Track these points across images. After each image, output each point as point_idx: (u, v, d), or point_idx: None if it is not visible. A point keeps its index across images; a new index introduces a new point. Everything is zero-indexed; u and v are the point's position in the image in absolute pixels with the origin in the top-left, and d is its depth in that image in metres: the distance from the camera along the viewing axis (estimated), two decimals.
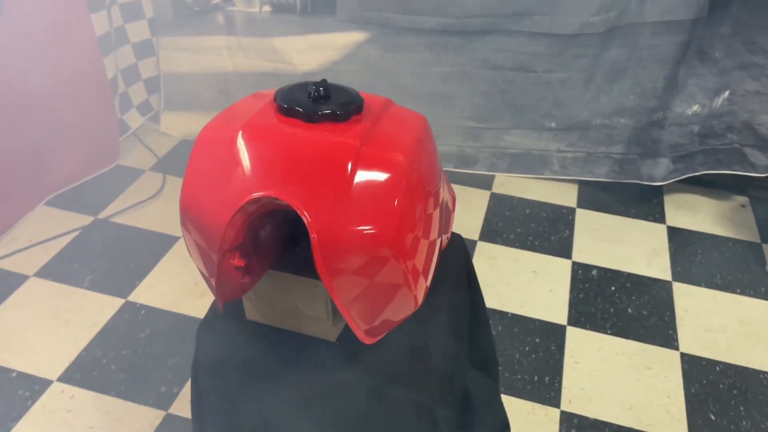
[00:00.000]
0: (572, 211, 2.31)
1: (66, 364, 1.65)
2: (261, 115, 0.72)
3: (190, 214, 0.70)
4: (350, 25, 2.40)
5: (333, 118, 0.72)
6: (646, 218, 2.29)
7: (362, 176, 0.67)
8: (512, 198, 2.36)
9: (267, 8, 2.41)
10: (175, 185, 2.32)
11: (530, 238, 2.18)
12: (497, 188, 2.41)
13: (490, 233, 2.19)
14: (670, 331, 1.85)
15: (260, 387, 0.82)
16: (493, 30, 2.28)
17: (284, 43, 2.45)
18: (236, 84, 2.55)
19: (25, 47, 1.94)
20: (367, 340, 0.77)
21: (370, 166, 0.68)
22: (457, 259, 1.05)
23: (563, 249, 2.14)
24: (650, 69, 2.23)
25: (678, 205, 2.36)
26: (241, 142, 0.70)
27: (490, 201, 2.34)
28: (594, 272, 2.05)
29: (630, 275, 2.04)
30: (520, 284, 1.99)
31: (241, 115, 0.73)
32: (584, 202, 2.36)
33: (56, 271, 1.92)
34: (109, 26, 2.26)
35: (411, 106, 2.44)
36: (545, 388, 1.68)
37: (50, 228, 2.07)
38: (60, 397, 1.57)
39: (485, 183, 2.43)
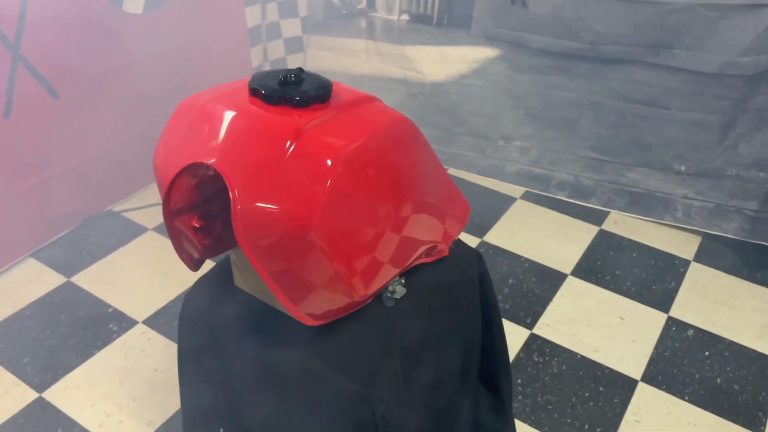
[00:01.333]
0: (686, 263, 2.12)
1: (153, 310, 1.85)
2: (231, 93, 0.79)
3: (155, 173, 0.78)
4: (482, 41, 2.41)
5: (290, 102, 0.76)
6: None
7: (298, 157, 0.70)
8: (622, 239, 2.22)
9: (405, 17, 2.49)
10: None
11: (628, 283, 2.03)
12: (608, 226, 2.28)
13: (585, 270, 2.07)
14: (760, 413, 1.63)
15: (223, 349, 0.88)
16: (628, 60, 2.16)
17: (417, 52, 2.52)
18: (368, 87, 2.66)
19: (183, 32, 2.20)
20: (307, 321, 0.80)
21: (308, 148, 0.71)
22: (465, 275, 1.03)
23: (662, 301, 1.97)
24: None
25: None
26: (202, 114, 0.77)
27: (595, 237, 2.22)
28: (690, 332, 1.87)
29: (732, 344, 1.83)
30: (601, 328, 1.87)
31: (218, 92, 0.80)
32: (703, 256, 2.15)
33: None
34: (261, 20, 2.48)
35: (532, 127, 2.43)
36: None
37: None
38: (140, 337, 1.77)
39: (596, 218, 2.31)
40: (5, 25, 1.72)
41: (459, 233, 1.01)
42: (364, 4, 2.54)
